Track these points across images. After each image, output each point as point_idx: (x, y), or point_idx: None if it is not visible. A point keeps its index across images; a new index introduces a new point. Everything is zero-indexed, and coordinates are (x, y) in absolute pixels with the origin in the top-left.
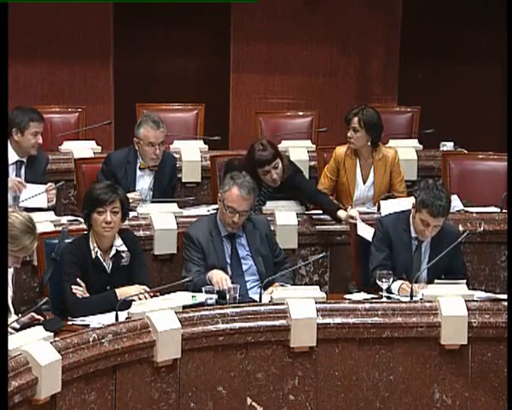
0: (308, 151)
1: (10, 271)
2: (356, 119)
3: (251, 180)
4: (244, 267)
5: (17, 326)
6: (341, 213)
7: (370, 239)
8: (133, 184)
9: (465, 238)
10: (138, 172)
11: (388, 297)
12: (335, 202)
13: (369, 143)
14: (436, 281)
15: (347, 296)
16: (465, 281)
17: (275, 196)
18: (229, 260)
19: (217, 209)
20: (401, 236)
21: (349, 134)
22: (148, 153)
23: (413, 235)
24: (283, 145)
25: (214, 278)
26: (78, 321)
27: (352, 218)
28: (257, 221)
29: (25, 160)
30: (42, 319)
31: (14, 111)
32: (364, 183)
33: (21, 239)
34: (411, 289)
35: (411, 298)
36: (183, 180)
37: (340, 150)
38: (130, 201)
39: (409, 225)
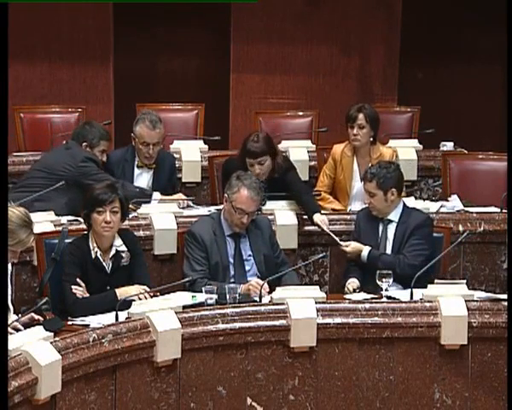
0: (308, 151)
1: (9, 269)
2: (361, 115)
3: (257, 179)
4: (247, 268)
5: (22, 329)
6: (314, 217)
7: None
8: (131, 183)
9: (465, 238)
10: (136, 171)
11: (388, 297)
12: (317, 205)
13: (371, 140)
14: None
15: (347, 296)
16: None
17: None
18: (232, 260)
19: (218, 209)
20: (371, 221)
21: (354, 131)
22: (142, 151)
23: (380, 216)
24: (283, 145)
25: (250, 288)
26: (78, 321)
27: (317, 225)
28: (259, 221)
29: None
30: (42, 319)
31: (86, 126)
32: (361, 181)
33: (18, 233)
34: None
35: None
36: (183, 180)
37: (338, 148)
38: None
39: None
